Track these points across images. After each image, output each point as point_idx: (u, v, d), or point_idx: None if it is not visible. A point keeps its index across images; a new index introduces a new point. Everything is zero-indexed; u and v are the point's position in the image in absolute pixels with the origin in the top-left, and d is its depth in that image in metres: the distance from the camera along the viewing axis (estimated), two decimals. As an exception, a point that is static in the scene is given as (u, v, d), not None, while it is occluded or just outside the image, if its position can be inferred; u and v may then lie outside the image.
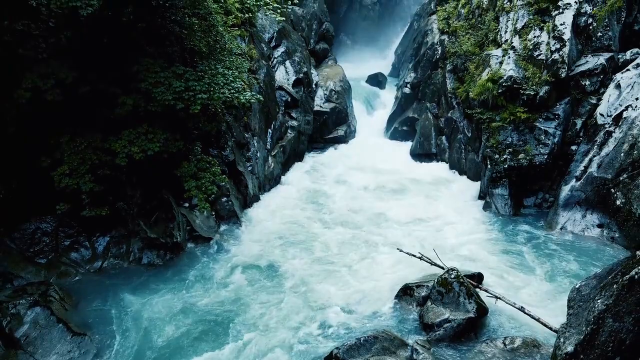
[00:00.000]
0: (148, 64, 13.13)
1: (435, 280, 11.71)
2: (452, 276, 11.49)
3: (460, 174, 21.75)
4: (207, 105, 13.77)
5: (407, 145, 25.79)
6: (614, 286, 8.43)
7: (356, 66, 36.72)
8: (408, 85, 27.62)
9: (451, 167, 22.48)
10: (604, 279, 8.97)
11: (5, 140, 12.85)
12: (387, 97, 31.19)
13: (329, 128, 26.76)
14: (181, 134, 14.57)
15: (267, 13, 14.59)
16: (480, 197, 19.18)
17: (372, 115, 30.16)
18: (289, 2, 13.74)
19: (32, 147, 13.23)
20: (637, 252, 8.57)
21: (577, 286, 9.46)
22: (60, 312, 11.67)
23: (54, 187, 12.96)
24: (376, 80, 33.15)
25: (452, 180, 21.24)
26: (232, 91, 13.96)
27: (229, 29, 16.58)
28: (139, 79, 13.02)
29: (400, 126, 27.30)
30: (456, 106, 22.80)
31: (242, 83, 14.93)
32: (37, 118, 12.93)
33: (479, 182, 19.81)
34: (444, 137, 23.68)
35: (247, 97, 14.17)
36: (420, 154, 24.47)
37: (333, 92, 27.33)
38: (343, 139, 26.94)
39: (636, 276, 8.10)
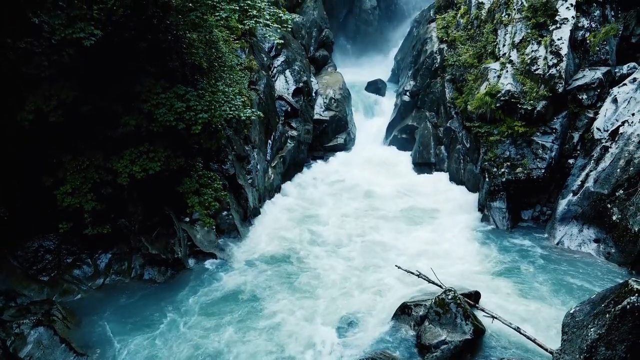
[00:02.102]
0: (150, 84, 13.29)
1: (433, 301, 11.87)
2: (450, 297, 11.65)
3: (459, 184, 21.85)
4: (208, 123, 13.91)
5: (407, 153, 25.91)
6: (607, 315, 8.61)
7: (356, 71, 36.82)
8: (407, 93, 27.73)
9: (450, 178, 22.61)
10: (597, 305, 9.13)
11: (9, 159, 13.03)
12: (387, 104, 31.23)
13: (328, 136, 26.89)
14: (182, 150, 14.73)
15: (267, 35, 14.73)
16: (478, 209, 19.32)
17: (371, 123, 30.22)
18: (288, 23, 13.82)
19: (35, 166, 13.40)
20: (629, 281, 8.76)
21: (571, 311, 9.63)
22: (63, 331, 11.86)
23: (56, 206, 13.14)
24: (375, 86, 33.20)
25: (451, 192, 21.30)
26: (232, 109, 14.13)
27: (229, 42, 16.73)
28: (141, 100, 13.18)
29: (399, 134, 27.42)
30: (455, 116, 22.91)
31: (242, 99, 15.07)
32: (40, 137, 13.09)
33: (477, 194, 19.95)
34: (443, 147, 23.81)
35: (247, 114, 14.34)
36: (420, 163, 24.61)
37: (333, 101, 27.45)
38: (343, 147, 27.07)
39: (628, 306, 8.29)
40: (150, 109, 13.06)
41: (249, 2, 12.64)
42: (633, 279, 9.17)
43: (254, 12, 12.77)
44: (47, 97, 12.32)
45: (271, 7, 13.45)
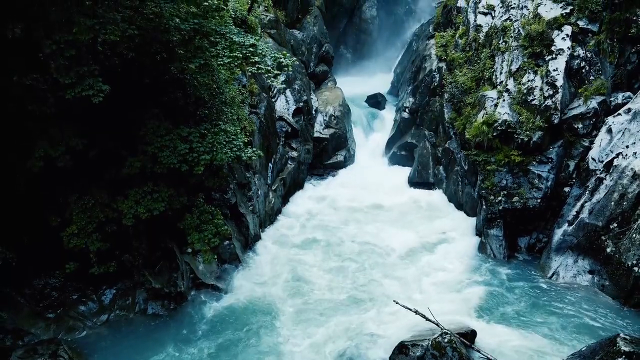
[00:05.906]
0: (154, 126, 13.58)
1: (430, 343, 12.17)
2: (446, 340, 11.99)
3: (457, 206, 22.16)
4: (210, 163, 14.20)
5: (406, 171, 26.16)
6: (595, 376, 8.98)
7: (356, 81, 37.04)
8: (407, 110, 27.97)
9: (448, 199, 22.90)
10: (587, 361, 9.50)
11: (16, 201, 13.34)
12: (387, 118, 31.47)
13: (328, 154, 27.14)
14: (185, 187, 15.03)
15: (269, 81, 15.04)
16: (476, 234, 19.63)
17: (371, 138, 30.46)
18: (289, 68, 14.12)
19: (41, 205, 13.71)
20: (618, 340, 9.09)
21: (562, 364, 10.00)
22: (70, 373, 12.21)
23: (62, 245, 13.47)
24: (375, 100, 33.48)
25: (449, 215, 21.56)
26: (234, 149, 14.39)
27: (230, 82, 17.02)
28: (145, 142, 13.48)
29: (398, 151, 27.71)
30: (453, 137, 23.18)
31: (243, 136, 15.33)
32: (47, 178, 13.39)
33: (475, 218, 20.26)
34: (441, 167, 24.11)
35: (248, 155, 14.61)
36: (418, 183, 24.90)
37: (332, 118, 27.71)
38: (342, 164, 27.34)
39: (616, 368, 8.65)
40: (154, 151, 13.37)
41: (250, 49, 12.94)
42: (622, 335, 9.51)
43: (256, 58, 13.06)
44: (55, 142, 12.59)
45: (273, 52, 13.77)
